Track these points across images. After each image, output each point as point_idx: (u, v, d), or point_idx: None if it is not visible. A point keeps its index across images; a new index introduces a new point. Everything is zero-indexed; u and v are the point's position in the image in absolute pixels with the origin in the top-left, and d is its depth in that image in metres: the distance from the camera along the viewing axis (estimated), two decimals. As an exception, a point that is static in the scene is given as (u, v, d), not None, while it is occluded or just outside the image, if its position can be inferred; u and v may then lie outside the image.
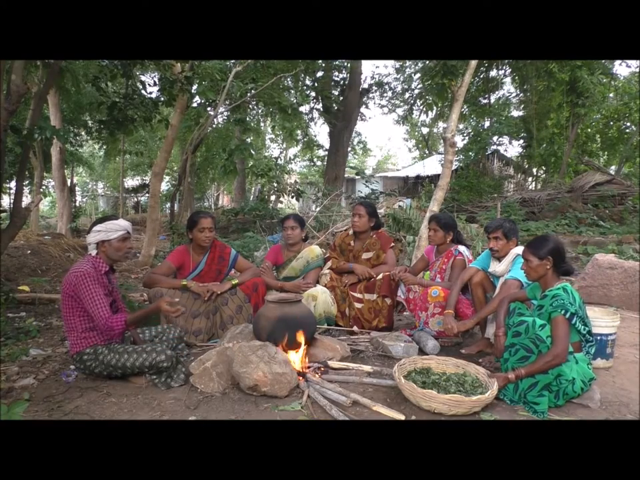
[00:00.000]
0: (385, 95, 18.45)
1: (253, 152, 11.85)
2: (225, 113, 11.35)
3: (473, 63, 5.80)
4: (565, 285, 2.46)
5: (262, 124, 19.65)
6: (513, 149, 24.20)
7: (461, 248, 3.51)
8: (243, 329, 3.08)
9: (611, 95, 13.76)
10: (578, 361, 2.38)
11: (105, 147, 14.33)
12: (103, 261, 2.64)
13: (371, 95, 18.12)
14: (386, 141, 78.61)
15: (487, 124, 15.14)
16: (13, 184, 10.40)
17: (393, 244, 4.00)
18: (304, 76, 15.07)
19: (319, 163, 24.61)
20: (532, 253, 2.50)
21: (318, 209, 10.92)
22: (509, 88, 16.29)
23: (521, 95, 15.40)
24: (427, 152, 24.10)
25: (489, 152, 15.80)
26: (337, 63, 15.63)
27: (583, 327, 2.39)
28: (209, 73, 8.11)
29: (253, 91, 9.15)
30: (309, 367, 2.73)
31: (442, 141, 6.92)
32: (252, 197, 20.09)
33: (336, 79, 16.67)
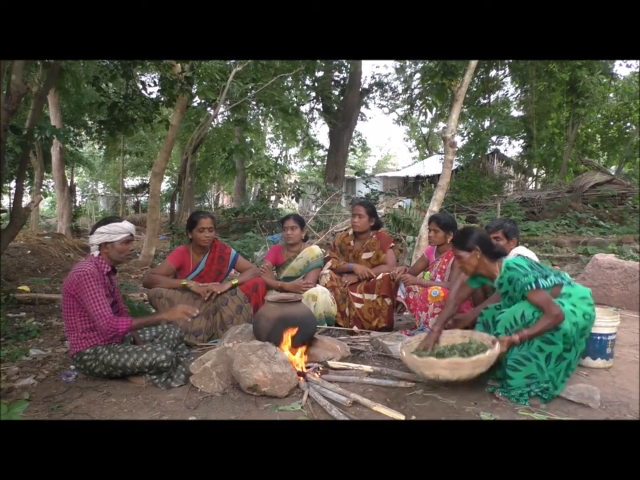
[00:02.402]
0: (385, 94, 18.46)
1: (253, 152, 11.86)
2: (225, 113, 11.36)
3: (473, 63, 5.80)
4: (507, 263, 2.49)
5: (262, 124, 19.65)
6: (512, 149, 24.17)
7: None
8: (243, 329, 3.08)
9: (611, 94, 13.75)
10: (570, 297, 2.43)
11: (105, 147, 14.33)
12: (106, 262, 2.64)
13: (371, 95, 18.13)
14: (386, 140, 78.69)
15: (486, 124, 15.13)
16: (13, 184, 10.40)
17: (392, 244, 4.00)
18: (304, 76, 15.07)
19: (319, 163, 24.62)
20: (459, 248, 2.57)
21: (318, 209, 10.92)
22: (508, 88, 16.31)
23: (521, 94, 15.39)
24: (427, 152, 24.08)
25: (489, 152, 15.78)
26: (336, 62, 15.63)
27: (548, 281, 2.40)
28: (209, 73, 8.12)
29: (253, 91, 9.15)
30: (308, 367, 2.73)
31: (442, 141, 6.92)
32: (252, 197, 20.08)
33: (336, 78, 16.68)
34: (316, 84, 16.06)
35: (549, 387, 2.38)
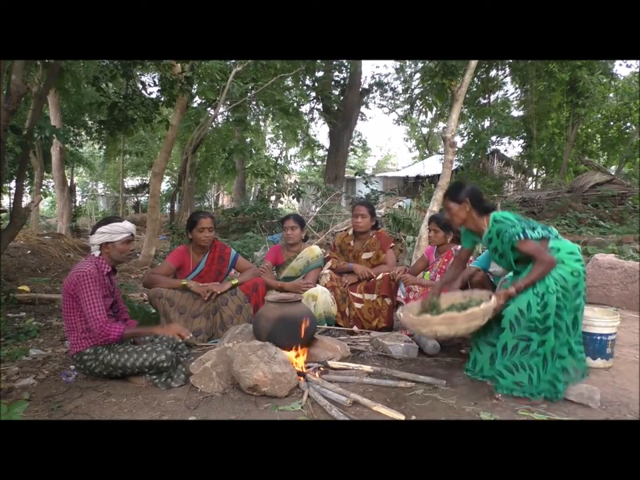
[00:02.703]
0: (385, 94, 18.46)
1: (253, 152, 11.85)
2: (225, 113, 11.35)
3: (473, 63, 5.80)
4: (494, 216, 2.52)
5: (262, 124, 19.65)
6: (513, 149, 24.19)
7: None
8: (243, 329, 3.08)
9: (611, 94, 13.75)
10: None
11: (105, 147, 14.32)
12: (106, 262, 2.64)
13: (371, 95, 18.13)
14: (386, 141, 78.84)
15: (486, 124, 15.13)
16: (13, 184, 10.40)
17: (392, 244, 4.00)
18: (304, 76, 15.07)
19: (319, 163, 24.61)
20: (450, 199, 2.60)
21: (318, 209, 10.92)
22: (508, 88, 16.31)
23: (521, 94, 15.38)
24: (427, 152, 24.08)
25: (489, 152, 15.77)
26: (336, 62, 15.63)
27: (536, 233, 2.42)
28: (209, 73, 8.11)
29: (253, 91, 9.15)
30: (308, 367, 2.73)
31: (442, 140, 6.92)
32: (252, 197, 20.08)
33: (336, 79, 16.67)
34: (316, 84, 16.06)
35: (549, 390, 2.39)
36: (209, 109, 10.23)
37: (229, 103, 9.54)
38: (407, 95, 16.88)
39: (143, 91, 6.39)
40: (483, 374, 2.58)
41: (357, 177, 19.21)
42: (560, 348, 2.38)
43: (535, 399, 2.38)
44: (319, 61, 13.73)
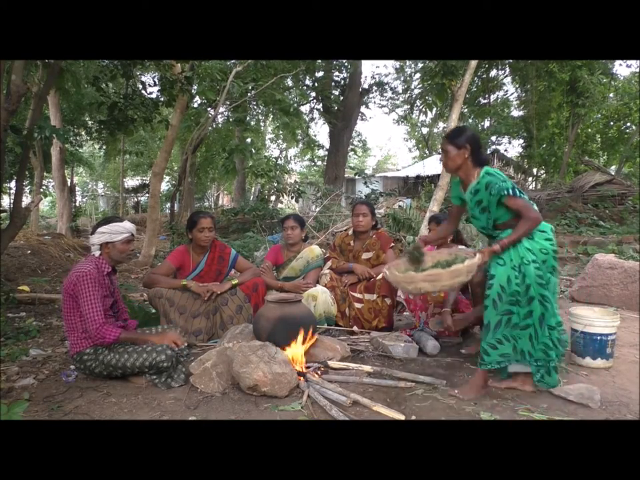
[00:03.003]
0: (385, 94, 18.45)
1: (253, 151, 11.85)
2: (225, 113, 11.36)
3: (473, 63, 5.81)
4: (487, 170, 2.52)
5: (262, 124, 19.65)
6: (513, 149, 24.20)
7: (461, 248, 3.51)
8: (243, 329, 3.08)
9: (611, 94, 13.76)
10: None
11: (105, 147, 14.33)
12: (106, 262, 2.64)
13: (371, 95, 18.12)
14: (386, 141, 78.83)
15: (486, 124, 15.13)
16: (13, 184, 10.40)
17: (392, 244, 4.00)
18: (304, 76, 15.07)
19: (319, 163, 24.61)
20: (450, 142, 2.56)
21: (318, 209, 10.92)
22: (508, 88, 16.31)
23: (521, 95, 15.39)
24: (427, 152, 24.07)
25: (489, 152, 15.78)
26: (336, 62, 15.63)
27: (523, 194, 2.45)
28: (209, 73, 8.11)
29: (253, 91, 9.15)
30: (308, 367, 2.73)
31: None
32: (252, 197, 20.08)
33: (336, 79, 16.67)
34: (316, 84, 16.06)
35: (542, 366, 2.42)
36: (209, 109, 10.23)
37: (228, 103, 9.54)
38: (407, 95, 16.88)
39: (143, 91, 6.38)
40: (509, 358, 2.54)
41: (356, 177, 19.21)
42: (549, 319, 2.40)
43: (524, 364, 2.41)
44: (319, 61, 13.72)
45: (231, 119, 11.67)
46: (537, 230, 2.45)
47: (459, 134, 2.57)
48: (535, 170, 16.49)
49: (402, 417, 2.17)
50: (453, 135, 2.60)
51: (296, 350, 2.71)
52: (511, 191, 2.37)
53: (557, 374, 2.48)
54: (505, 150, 17.20)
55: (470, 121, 15.81)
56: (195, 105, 10.77)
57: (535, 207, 2.45)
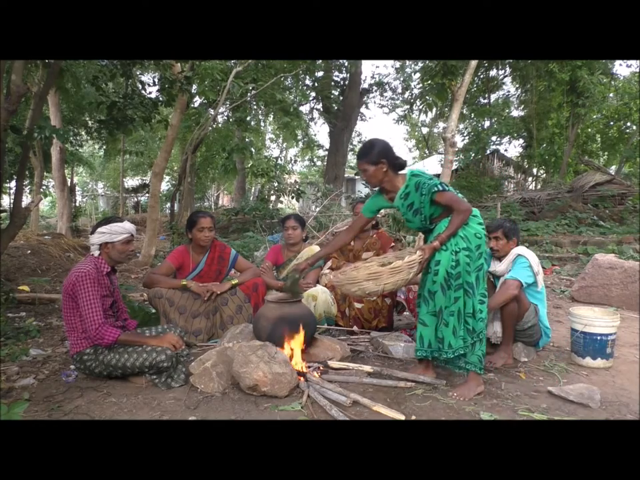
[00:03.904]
0: (385, 94, 18.46)
1: (253, 151, 11.85)
2: (225, 113, 11.36)
3: (473, 63, 5.81)
4: (411, 171, 2.56)
5: (262, 124, 19.65)
6: (513, 149, 24.21)
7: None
8: (243, 329, 3.08)
9: (611, 94, 13.75)
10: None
11: (104, 147, 14.33)
12: (105, 262, 2.64)
13: (371, 95, 18.13)
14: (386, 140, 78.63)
15: (486, 124, 15.13)
16: (13, 184, 10.40)
17: (393, 244, 4.00)
18: (304, 76, 15.07)
19: (319, 163, 24.62)
20: (365, 162, 2.57)
21: (318, 209, 10.92)
22: (508, 88, 16.30)
23: (521, 94, 15.39)
24: (427, 152, 24.08)
25: (489, 152, 15.78)
26: (336, 62, 15.63)
27: (450, 189, 2.49)
28: (209, 73, 8.11)
29: (253, 91, 9.15)
30: (309, 367, 2.73)
31: (442, 140, 6.93)
32: (252, 197, 20.08)
33: (336, 79, 16.68)
34: (316, 84, 16.06)
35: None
36: (208, 108, 10.23)
37: (228, 103, 9.54)
38: (407, 95, 16.89)
39: (142, 91, 6.38)
40: (432, 348, 2.55)
41: (356, 176, 19.23)
42: (468, 306, 2.44)
43: (447, 357, 2.47)
44: (319, 61, 13.72)
45: (231, 119, 11.67)
46: (471, 215, 2.51)
47: (370, 150, 2.57)
48: (535, 170, 16.49)
49: (402, 417, 2.17)
50: (365, 153, 2.59)
51: (294, 349, 2.72)
52: (440, 187, 2.43)
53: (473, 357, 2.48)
54: (505, 150, 17.21)
55: (470, 120, 15.81)
56: (195, 105, 10.77)
57: (464, 199, 2.51)
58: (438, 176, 6.85)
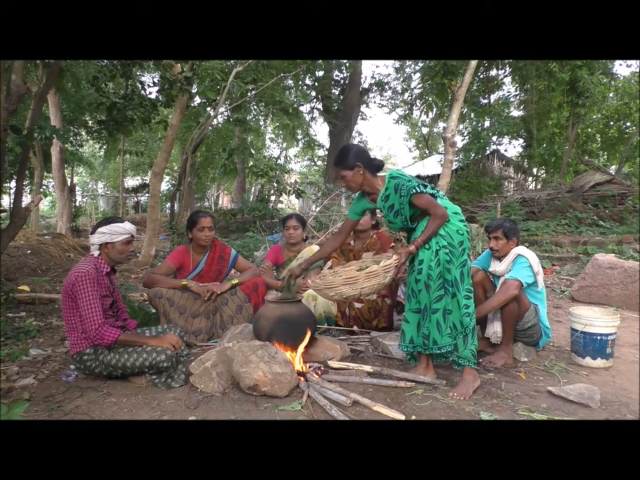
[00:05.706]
0: (385, 94, 18.47)
1: (253, 152, 11.84)
2: (225, 113, 11.36)
3: (473, 63, 5.81)
4: (390, 173, 2.57)
5: (262, 124, 19.65)
6: (513, 149, 24.20)
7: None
8: (243, 329, 3.08)
9: (611, 94, 13.75)
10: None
11: (105, 147, 14.32)
12: (105, 262, 2.64)
13: (371, 95, 18.14)
14: (386, 140, 78.69)
15: (486, 124, 15.12)
16: (13, 184, 10.41)
17: (393, 244, 3.99)
18: (304, 76, 15.07)
19: (319, 163, 24.61)
20: (342, 168, 2.60)
21: (318, 209, 10.92)
22: (508, 88, 16.29)
23: (521, 94, 15.38)
24: (427, 152, 24.08)
25: (489, 152, 15.77)
26: (336, 62, 15.64)
27: (428, 189, 2.51)
28: (209, 73, 8.11)
29: (253, 91, 9.15)
30: (309, 367, 2.73)
31: (442, 140, 6.93)
32: (252, 197, 20.08)
33: (336, 78, 16.68)
34: (316, 84, 16.07)
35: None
36: (208, 109, 10.23)
37: (228, 103, 9.54)
38: (407, 95, 16.89)
39: (142, 91, 6.38)
40: (414, 344, 2.61)
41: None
42: (450, 303, 2.46)
43: (433, 352, 2.51)
44: (319, 60, 13.72)
45: (231, 119, 11.68)
46: (451, 212, 2.52)
47: (345, 156, 2.59)
48: (535, 170, 16.49)
49: (402, 417, 2.17)
50: (340, 159, 2.62)
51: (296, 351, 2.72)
52: (418, 189, 2.45)
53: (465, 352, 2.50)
54: (505, 150, 17.20)
55: (470, 120, 15.81)
56: (195, 105, 10.76)
57: (439, 201, 2.51)
58: (438, 176, 6.85)
